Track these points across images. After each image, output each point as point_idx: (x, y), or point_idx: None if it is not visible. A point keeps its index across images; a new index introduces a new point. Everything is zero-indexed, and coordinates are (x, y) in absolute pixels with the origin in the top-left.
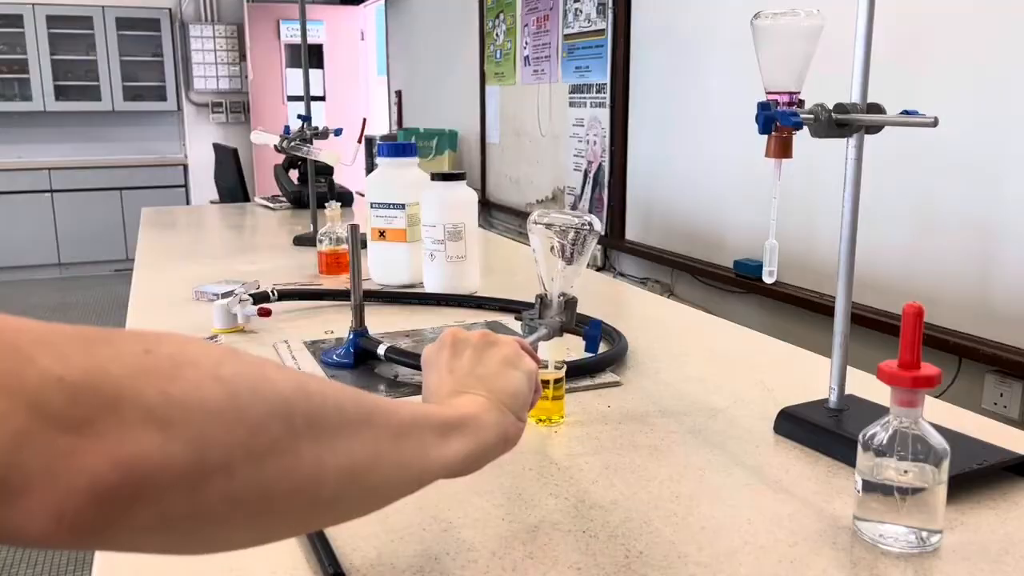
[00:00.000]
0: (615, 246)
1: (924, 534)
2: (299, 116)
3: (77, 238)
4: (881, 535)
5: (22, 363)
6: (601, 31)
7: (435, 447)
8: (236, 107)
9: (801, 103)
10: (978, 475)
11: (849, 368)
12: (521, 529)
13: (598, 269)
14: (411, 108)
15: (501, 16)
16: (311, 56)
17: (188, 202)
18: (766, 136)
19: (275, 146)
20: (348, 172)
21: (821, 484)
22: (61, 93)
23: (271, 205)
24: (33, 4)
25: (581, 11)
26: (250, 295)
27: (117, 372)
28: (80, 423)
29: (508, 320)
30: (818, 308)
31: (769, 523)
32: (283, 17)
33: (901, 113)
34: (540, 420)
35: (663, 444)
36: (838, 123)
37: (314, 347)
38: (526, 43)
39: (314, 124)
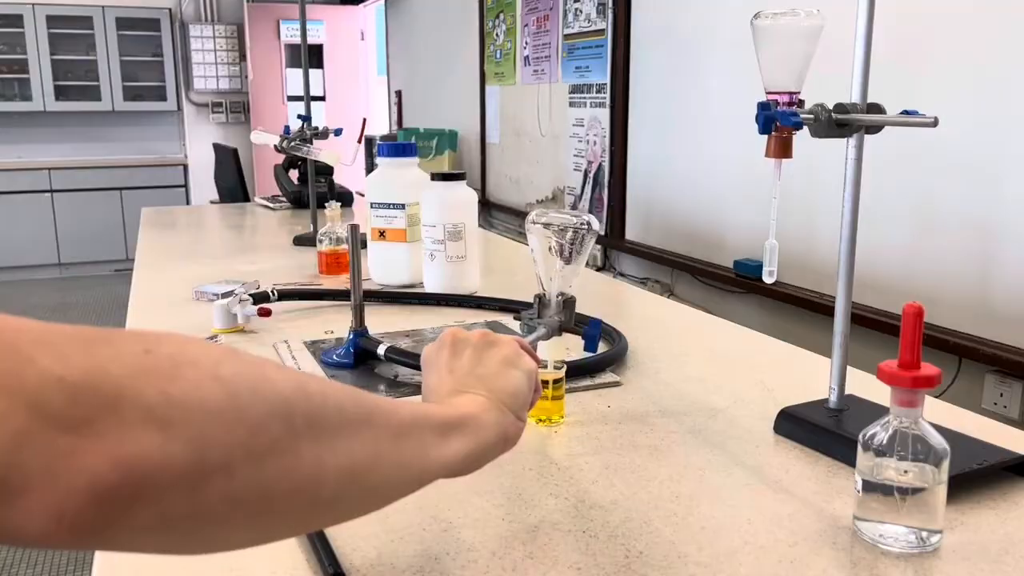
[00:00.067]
0: (615, 246)
1: (924, 534)
2: (299, 116)
3: (77, 238)
4: (881, 535)
5: (22, 363)
6: (601, 31)
7: (435, 447)
8: (236, 107)
9: (801, 103)
10: (978, 475)
11: (849, 368)
12: (521, 529)
13: (598, 269)
14: (411, 108)
15: (501, 16)
16: (311, 56)
17: (188, 202)
18: (766, 136)
19: (275, 146)
20: (348, 172)
21: (821, 484)
22: (61, 93)
23: (271, 205)
24: (33, 4)
25: (581, 11)
26: (250, 295)
27: (117, 372)
28: (80, 423)
29: (508, 320)
30: (818, 308)
31: (769, 523)
32: (283, 17)
33: (901, 113)
34: (540, 420)
35: (663, 444)
36: (838, 123)
37: (314, 347)
38: (526, 43)
39: (314, 124)
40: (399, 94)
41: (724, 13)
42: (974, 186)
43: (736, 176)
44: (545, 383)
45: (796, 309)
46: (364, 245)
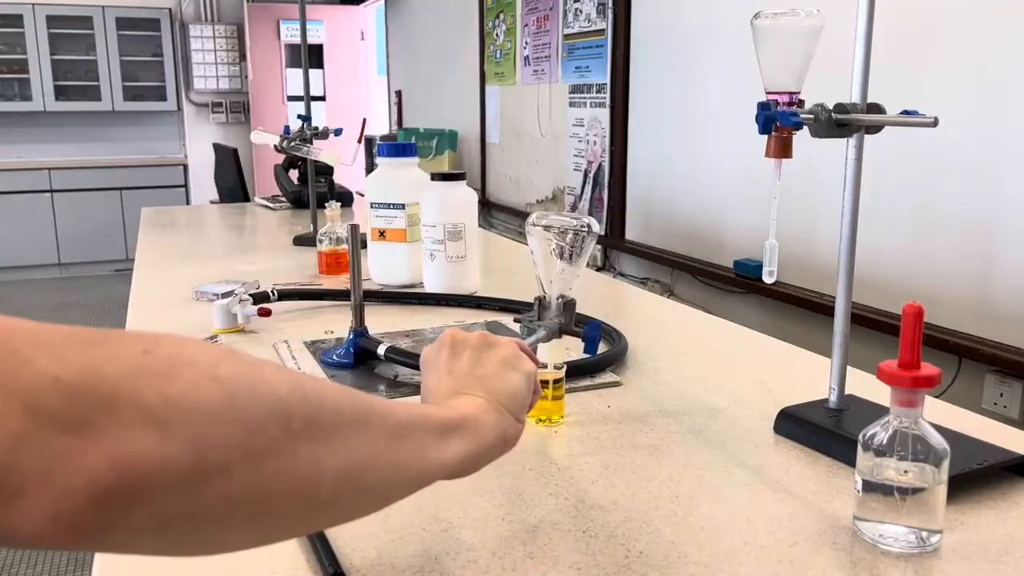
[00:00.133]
0: (615, 246)
1: (924, 534)
2: (299, 116)
3: (77, 238)
4: (881, 535)
5: (18, 364)
6: (601, 31)
7: (433, 448)
8: (236, 107)
9: (801, 103)
10: (978, 475)
11: (849, 368)
12: (521, 529)
13: (598, 269)
14: (411, 108)
15: (501, 16)
16: (311, 56)
17: (188, 202)
18: (766, 136)
19: (275, 146)
20: (348, 172)
21: (821, 484)
22: (61, 93)
23: (271, 205)
24: (33, 4)
25: (581, 11)
26: (250, 295)
27: (114, 372)
28: (77, 423)
29: (508, 320)
30: (818, 308)
31: (769, 523)
32: (283, 17)
33: (901, 113)
34: (540, 420)
35: (663, 444)
36: (838, 123)
37: (314, 347)
38: (526, 43)
39: (314, 124)
40: (399, 94)
41: (724, 13)
42: (974, 186)
43: (736, 176)
44: (545, 383)
45: (796, 309)
46: (364, 245)
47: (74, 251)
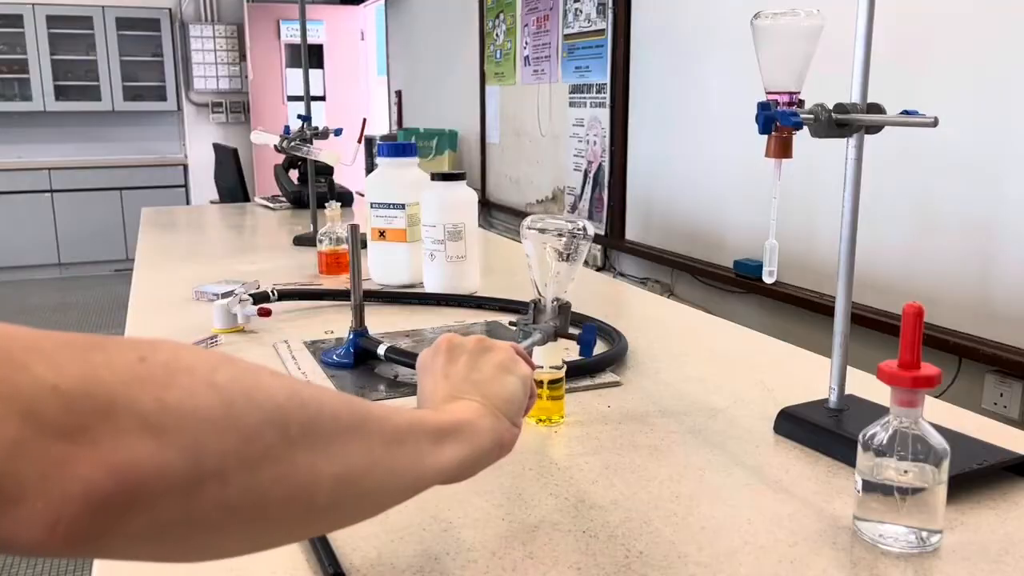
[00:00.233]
0: (615, 246)
1: (924, 534)
2: (299, 116)
3: (77, 238)
4: (881, 535)
5: (15, 371)
6: (601, 31)
7: (430, 453)
8: (236, 107)
9: (801, 103)
10: (978, 475)
11: (849, 368)
12: (521, 529)
13: (598, 269)
14: (411, 108)
15: (501, 16)
16: (311, 56)
17: (188, 202)
18: (766, 136)
19: (275, 146)
20: (348, 172)
21: (821, 484)
22: (61, 93)
23: (271, 205)
24: (33, 4)
25: (581, 11)
26: (250, 295)
27: (111, 379)
28: (74, 431)
29: (507, 320)
30: (818, 308)
31: (769, 523)
32: (283, 17)
33: (901, 113)
34: (540, 420)
35: (663, 444)
36: (838, 123)
37: (314, 347)
38: (526, 43)
39: (314, 124)
40: (399, 94)
41: (724, 13)
42: (974, 186)
43: (736, 176)
44: (540, 383)
45: (796, 309)
46: (364, 245)
47: (74, 251)
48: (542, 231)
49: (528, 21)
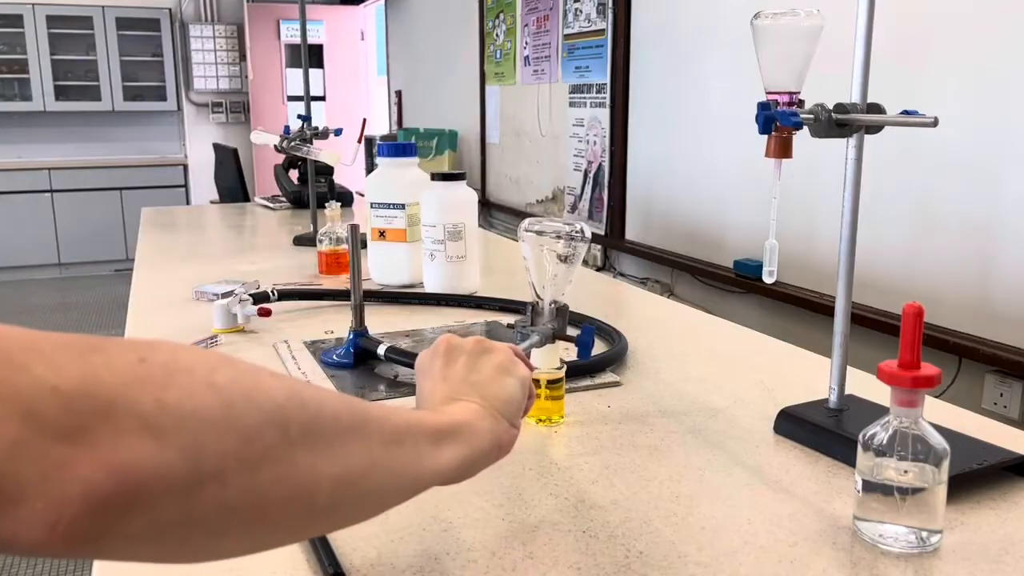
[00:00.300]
0: (615, 246)
1: (924, 534)
2: (299, 116)
3: (77, 238)
4: (881, 535)
5: (15, 372)
6: (601, 31)
7: (429, 455)
8: (236, 107)
9: (801, 103)
10: (978, 475)
11: (849, 368)
12: (521, 529)
13: (598, 269)
14: (411, 108)
15: (501, 16)
16: (311, 56)
17: (188, 202)
18: (766, 136)
19: (275, 146)
20: (348, 172)
21: (821, 484)
22: (61, 93)
23: (271, 205)
24: (33, 4)
25: (581, 11)
26: (250, 295)
27: (111, 380)
28: (74, 432)
29: (507, 320)
30: (818, 308)
31: (769, 523)
32: (283, 17)
33: (901, 113)
34: (540, 420)
35: (663, 444)
36: (838, 123)
37: (314, 347)
38: (526, 43)
39: (314, 124)
40: (399, 94)
41: (724, 13)
42: (974, 186)
43: (736, 176)
44: (537, 382)
45: (796, 309)
46: (364, 245)
47: (74, 251)
48: (539, 234)
49: (528, 21)
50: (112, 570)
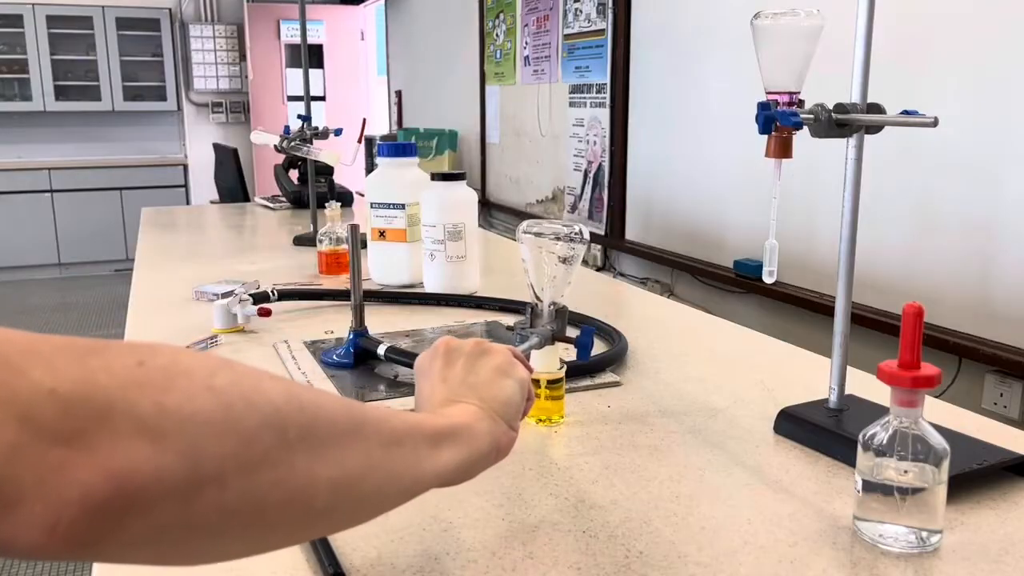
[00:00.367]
0: (615, 246)
1: (924, 534)
2: (299, 116)
3: (77, 238)
4: (881, 535)
5: (13, 375)
6: (601, 31)
7: (427, 457)
8: (236, 107)
9: (801, 103)
10: (978, 475)
11: (849, 368)
12: (521, 529)
13: (598, 269)
14: (411, 108)
15: (501, 16)
16: (311, 56)
17: (188, 202)
18: (766, 136)
19: (275, 146)
20: (348, 172)
21: (821, 484)
22: (61, 93)
23: (271, 205)
24: (33, 4)
25: (581, 11)
26: (250, 295)
27: (109, 383)
28: (72, 435)
29: (507, 320)
30: (818, 308)
31: (769, 523)
32: (283, 17)
33: (901, 113)
34: (540, 420)
35: (663, 444)
36: (838, 123)
37: (314, 347)
38: (526, 43)
39: (314, 124)
40: (399, 94)
41: (724, 13)
42: (974, 186)
43: (736, 176)
44: (536, 382)
45: (796, 309)
46: (364, 245)
47: (74, 251)
48: (539, 235)
49: (528, 21)
50: (112, 572)
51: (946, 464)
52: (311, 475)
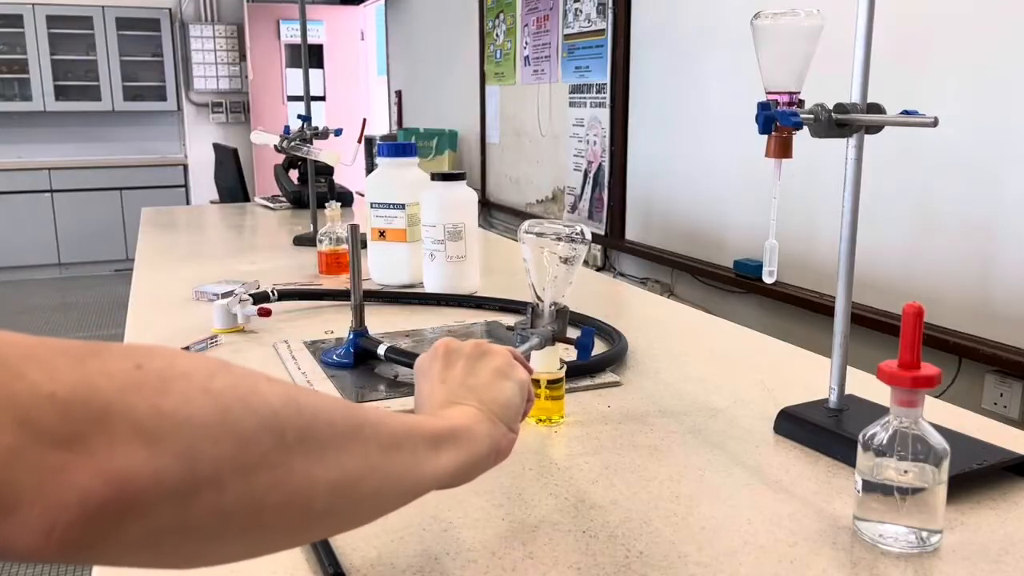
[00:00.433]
0: (615, 246)
1: (924, 534)
2: (299, 116)
3: (77, 238)
4: (881, 535)
5: (11, 378)
6: (601, 31)
7: (426, 459)
8: (236, 107)
9: (801, 103)
10: (978, 475)
11: (849, 368)
12: (521, 529)
13: (598, 269)
14: (411, 108)
15: (501, 16)
16: (311, 56)
17: (188, 202)
18: (766, 136)
19: (275, 146)
20: (348, 172)
21: (821, 484)
22: (61, 93)
23: (271, 205)
24: (33, 4)
25: (581, 11)
26: (250, 295)
27: (107, 387)
28: (70, 439)
29: (507, 320)
30: (818, 308)
31: (769, 523)
32: (283, 17)
33: (901, 113)
34: (540, 420)
35: (663, 444)
36: (838, 123)
37: (314, 347)
38: (526, 43)
39: (314, 124)
40: (399, 94)
41: (724, 13)
42: (974, 186)
43: (736, 176)
44: (536, 382)
45: (796, 309)
46: (364, 245)
47: (74, 251)
48: (540, 235)
49: (528, 21)
50: (112, 570)
51: (946, 464)
52: (309, 478)
